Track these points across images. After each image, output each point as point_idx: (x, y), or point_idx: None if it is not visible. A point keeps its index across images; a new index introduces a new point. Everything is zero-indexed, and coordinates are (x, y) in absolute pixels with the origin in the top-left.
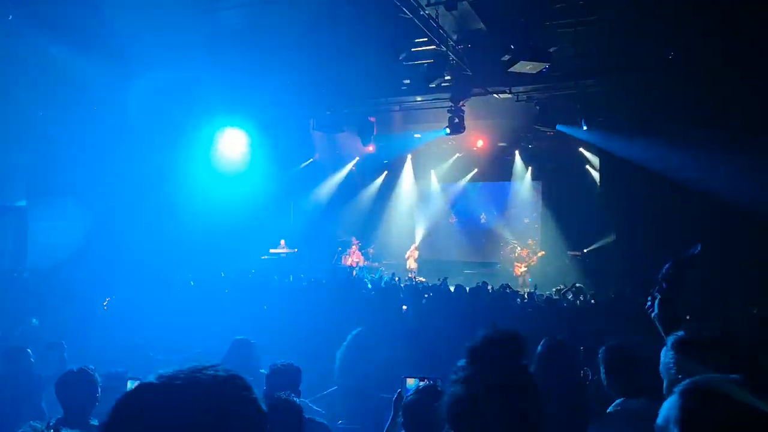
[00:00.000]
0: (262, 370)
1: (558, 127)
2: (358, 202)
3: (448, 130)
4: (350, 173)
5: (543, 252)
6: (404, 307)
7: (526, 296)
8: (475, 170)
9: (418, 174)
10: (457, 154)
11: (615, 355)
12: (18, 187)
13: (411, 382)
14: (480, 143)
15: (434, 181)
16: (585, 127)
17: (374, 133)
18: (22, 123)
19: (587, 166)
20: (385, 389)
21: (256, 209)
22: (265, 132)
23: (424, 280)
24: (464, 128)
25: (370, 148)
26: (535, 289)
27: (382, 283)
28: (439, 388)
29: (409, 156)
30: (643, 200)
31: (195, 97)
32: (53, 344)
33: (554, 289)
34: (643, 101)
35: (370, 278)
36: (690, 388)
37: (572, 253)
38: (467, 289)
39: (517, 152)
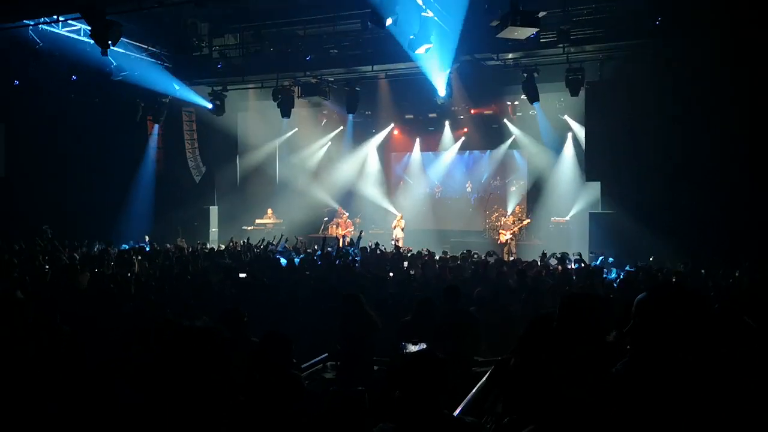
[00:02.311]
0: (254, 338)
1: (535, 104)
2: (343, 171)
3: (441, 94)
4: (335, 142)
5: (529, 220)
6: (391, 274)
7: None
8: (462, 138)
9: (404, 143)
10: (447, 122)
11: None
12: None
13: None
14: (470, 111)
15: (420, 150)
16: (571, 95)
17: (358, 101)
18: None
19: (570, 134)
20: (380, 355)
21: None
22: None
23: (410, 248)
24: (451, 95)
25: (354, 117)
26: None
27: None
28: (434, 354)
29: (394, 125)
30: (627, 167)
31: None
32: None
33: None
34: (631, 68)
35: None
36: None
37: (556, 219)
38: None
39: (505, 120)
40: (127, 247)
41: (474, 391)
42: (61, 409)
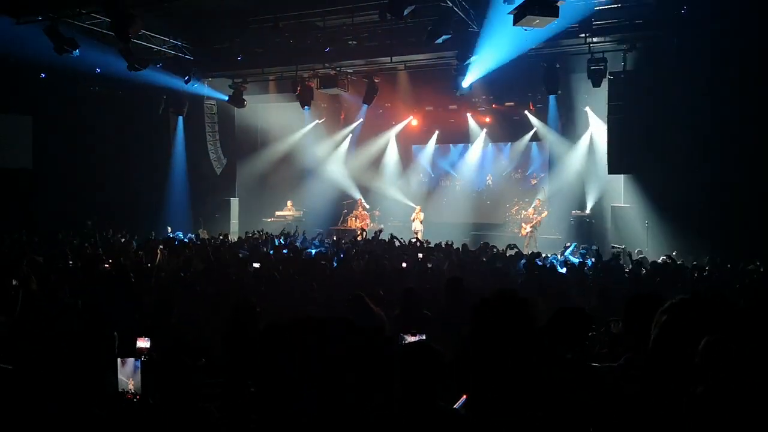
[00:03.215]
0: None
1: (555, 96)
2: (362, 164)
3: (464, 85)
4: (354, 134)
5: (546, 213)
6: (404, 264)
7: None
8: (484, 130)
9: (423, 134)
10: (468, 113)
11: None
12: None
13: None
14: (492, 105)
15: (440, 142)
16: (593, 86)
17: (377, 93)
18: None
19: (590, 126)
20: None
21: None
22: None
23: (429, 241)
24: (471, 87)
25: (374, 109)
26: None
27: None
28: (431, 345)
29: (413, 116)
30: (652, 159)
31: None
32: None
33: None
34: (656, 58)
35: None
36: None
37: (576, 212)
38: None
39: (525, 111)
40: (150, 239)
41: None
42: (61, 408)
